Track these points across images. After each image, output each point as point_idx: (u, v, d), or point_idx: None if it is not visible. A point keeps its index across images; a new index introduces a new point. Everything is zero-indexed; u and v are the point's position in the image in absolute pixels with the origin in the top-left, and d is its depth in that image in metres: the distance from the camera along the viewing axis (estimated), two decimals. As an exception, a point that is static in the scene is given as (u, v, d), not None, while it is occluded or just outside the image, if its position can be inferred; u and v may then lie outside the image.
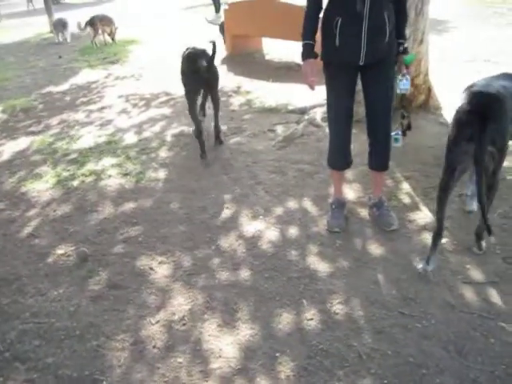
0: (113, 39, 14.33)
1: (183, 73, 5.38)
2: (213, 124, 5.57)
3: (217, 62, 5.34)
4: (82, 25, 14.35)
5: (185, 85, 5.35)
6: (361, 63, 3.35)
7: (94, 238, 3.95)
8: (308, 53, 3.46)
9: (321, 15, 3.47)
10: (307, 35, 3.46)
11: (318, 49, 3.47)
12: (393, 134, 3.73)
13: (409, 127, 3.98)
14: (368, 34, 3.25)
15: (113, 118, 7.11)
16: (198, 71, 5.01)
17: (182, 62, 5.39)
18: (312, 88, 3.50)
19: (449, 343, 2.65)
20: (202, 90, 5.35)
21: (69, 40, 15.47)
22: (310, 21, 3.47)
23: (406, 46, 3.53)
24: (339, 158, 3.83)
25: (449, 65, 7.79)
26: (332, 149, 3.83)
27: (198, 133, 5.26)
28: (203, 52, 5.19)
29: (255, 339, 2.79)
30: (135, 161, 5.34)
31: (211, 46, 5.03)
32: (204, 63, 5.00)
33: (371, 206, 3.92)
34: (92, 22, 14.02)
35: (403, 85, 3.59)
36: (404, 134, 3.92)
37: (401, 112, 4.02)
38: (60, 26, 15.74)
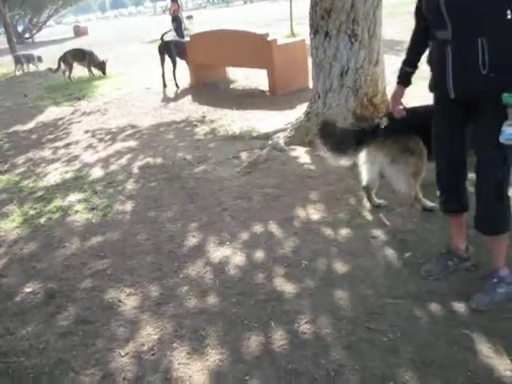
0: (90, 71, 14.48)
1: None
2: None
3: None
4: (54, 68, 14.50)
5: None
6: (451, 97, 2.86)
7: (62, 274, 3.93)
8: (399, 78, 3.29)
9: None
10: (405, 61, 3.26)
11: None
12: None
13: None
14: (453, 64, 2.79)
15: (79, 153, 7.15)
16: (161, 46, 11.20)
17: None
18: (396, 115, 3.35)
19: (414, 354, 2.68)
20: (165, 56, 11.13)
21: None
22: (411, 46, 3.23)
23: None
24: (446, 200, 3.25)
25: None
26: (439, 189, 3.30)
27: (162, 76, 11.11)
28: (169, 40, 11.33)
29: (225, 364, 2.79)
30: (102, 195, 5.36)
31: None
32: (163, 40, 11.24)
33: (482, 276, 3.19)
34: (64, 59, 14.13)
35: (506, 134, 2.68)
36: None
37: None
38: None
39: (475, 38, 2.66)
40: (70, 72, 14.20)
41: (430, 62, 3.06)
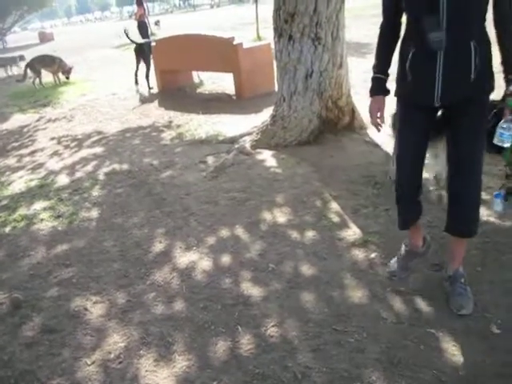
0: (64, 77, 14.29)
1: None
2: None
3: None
4: (21, 76, 14.31)
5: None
6: (436, 105, 2.74)
7: (27, 283, 3.87)
8: (376, 88, 2.99)
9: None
10: (377, 67, 2.99)
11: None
12: (494, 194, 3.12)
13: None
14: (444, 70, 2.61)
15: (45, 160, 7.06)
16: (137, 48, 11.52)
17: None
18: (378, 129, 3.06)
19: (381, 354, 2.71)
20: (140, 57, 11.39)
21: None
22: (382, 50, 2.98)
23: None
24: (407, 211, 3.16)
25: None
26: (398, 198, 3.14)
27: (135, 74, 11.66)
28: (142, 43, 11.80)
29: (192, 370, 2.78)
30: (68, 202, 5.30)
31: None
32: (137, 44, 11.71)
33: (446, 278, 3.14)
34: (31, 65, 13.94)
35: (501, 134, 2.68)
36: (506, 198, 3.13)
37: (505, 170, 3.20)
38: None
39: (468, 42, 2.58)
40: (39, 78, 13.99)
41: (412, 67, 2.74)
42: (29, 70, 14.00)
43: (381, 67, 2.99)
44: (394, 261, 3.39)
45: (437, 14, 2.53)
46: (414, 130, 2.94)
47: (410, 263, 3.35)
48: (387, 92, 3.01)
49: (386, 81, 2.99)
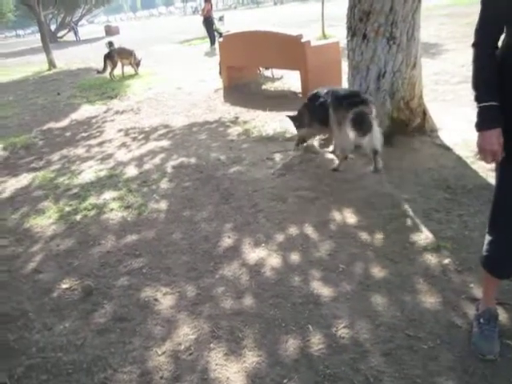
0: (135, 70, 14.48)
1: None
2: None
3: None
4: (100, 68, 14.50)
5: None
6: None
7: (98, 271, 3.96)
8: (492, 119, 2.34)
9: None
10: (486, 92, 2.36)
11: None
12: None
13: None
14: None
15: (113, 151, 7.20)
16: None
17: None
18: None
19: (455, 363, 2.64)
20: None
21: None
22: (486, 68, 2.38)
23: None
24: (507, 265, 2.68)
25: (442, 87, 7.89)
26: (500, 250, 2.62)
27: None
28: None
29: (262, 366, 2.78)
30: (136, 193, 5.39)
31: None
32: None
33: None
34: (110, 56, 14.21)
35: None
36: None
37: None
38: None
39: None
40: (113, 69, 14.23)
41: None
42: (108, 61, 14.23)
43: (490, 90, 2.35)
44: (476, 338, 2.77)
45: None
46: None
47: (496, 330, 2.79)
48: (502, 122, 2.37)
49: (498, 107, 2.34)
